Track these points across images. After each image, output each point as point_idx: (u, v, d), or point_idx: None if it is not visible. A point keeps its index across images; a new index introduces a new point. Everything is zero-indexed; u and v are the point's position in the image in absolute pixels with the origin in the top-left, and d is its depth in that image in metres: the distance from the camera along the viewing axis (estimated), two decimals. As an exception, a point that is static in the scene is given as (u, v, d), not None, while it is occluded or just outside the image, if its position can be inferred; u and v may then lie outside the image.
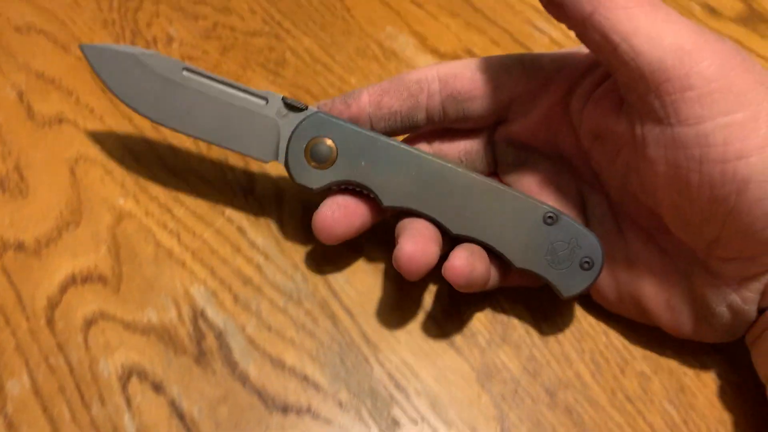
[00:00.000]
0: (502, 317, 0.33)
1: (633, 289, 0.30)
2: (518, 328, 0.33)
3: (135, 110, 0.32)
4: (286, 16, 0.43)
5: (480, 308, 0.33)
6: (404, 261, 0.28)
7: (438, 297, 0.33)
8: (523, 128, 0.31)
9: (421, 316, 0.33)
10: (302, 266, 0.34)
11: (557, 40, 0.44)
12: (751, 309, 0.27)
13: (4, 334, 0.31)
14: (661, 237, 0.29)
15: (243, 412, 0.30)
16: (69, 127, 0.38)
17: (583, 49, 0.30)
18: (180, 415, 0.30)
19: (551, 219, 0.29)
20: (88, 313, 0.32)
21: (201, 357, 0.31)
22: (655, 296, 0.30)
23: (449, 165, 0.29)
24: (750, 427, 0.30)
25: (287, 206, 0.36)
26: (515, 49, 0.43)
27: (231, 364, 0.31)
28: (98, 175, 0.36)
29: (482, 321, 0.33)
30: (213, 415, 0.30)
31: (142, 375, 0.30)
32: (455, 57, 0.42)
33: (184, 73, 0.31)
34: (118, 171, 0.36)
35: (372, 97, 0.31)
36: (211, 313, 0.32)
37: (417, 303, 0.33)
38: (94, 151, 0.37)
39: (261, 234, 0.35)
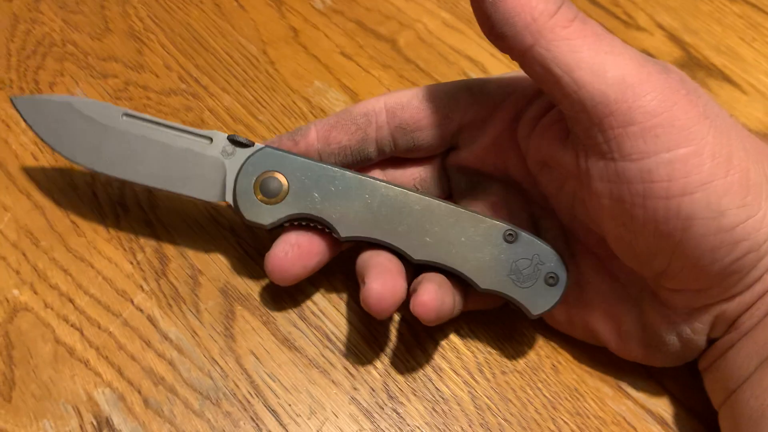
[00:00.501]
0: (443, 404, 0.30)
1: (583, 313, 0.30)
2: (460, 419, 0.30)
3: (73, 161, 0.30)
4: (204, 72, 0.40)
5: (418, 397, 0.30)
6: (374, 302, 0.27)
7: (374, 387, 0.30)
8: (472, 155, 0.31)
9: (358, 416, 0.30)
10: (221, 360, 0.30)
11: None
12: (701, 339, 0.27)
13: None
14: (612, 264, 0.29)
15: None
16: (-43, 211, 0.34)
17: None
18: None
19: (511, 236, 0.28)
20: (-30, 429, 0.28)
21: (105, 475, 0.27)
22: (605, 321, 0.29)
23: (405, 190, 0.29)
24: None
25: (204, 289, 0.32)
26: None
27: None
28: (-11, 261, 0.32)
29: (421, 411, 0.30)
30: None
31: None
32: (388, 112, 0.40)
33: (124, 118, 0.30)
34: (14, 256, 0.32)
35: (320, 132, 0.30)
36: (118, 420, 0.29)
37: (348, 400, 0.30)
38: (-15, 234, 0.33)
39: (174, 323, 0.31)
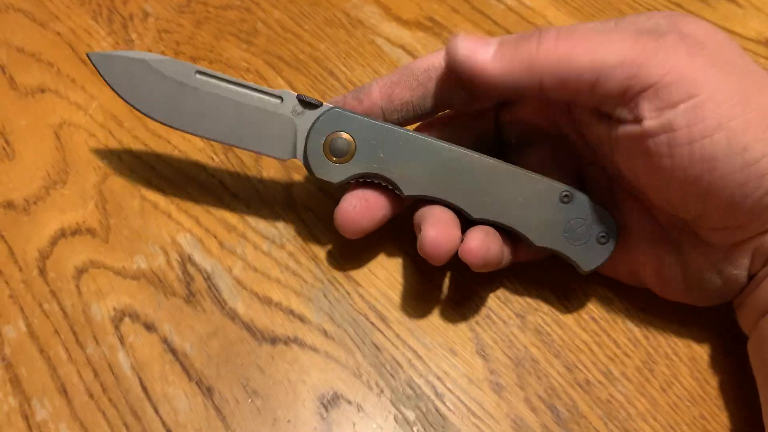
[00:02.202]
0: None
1: (627, 257, 0.32)
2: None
3: (148, 115, 0.31)
4: (256, -9, 0.45)
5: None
6: (429, 247, 0.29)
7: (409, 236, 0.35)
8: (524, 109, 0.32)
9: (395, 254, 0.35)
10: (282, 214, 0.36)
11: (512, 7, 0.46)
12: (742, 274, 0.28)
13: (-2, 284, 0.32)
14: (653, 208, 0.31)
15: (233, 345, 0.31)
16: (51, 96, 0.39)
17: None
18: (173, 351, 0.31)
19: (567, 198, 0.30)
20: (78, 263, 0.33)
21: (190, 297, 0.33)
22: (648, 264, 0.31)
23: (465, 151, 0.30)
24: (703, 339, 0.33)
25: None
26: (474, 17, 0.46)
27: (220, 303, 0.32)
28: (82, 138, 0.38)
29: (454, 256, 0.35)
30: (205, 349, 0.31)
31: (134, 316, 0.32)
32: (418, 25, 0.45)
33: (197, 76, 0.31)
34: (102, 134, 0.38)
35: (383, 90, 0.31)
36: (199, 258, 0.34)
37: (392, 243, 0.35)
38: (77, 117, 0.38)
39: (242, 187, 0.36)
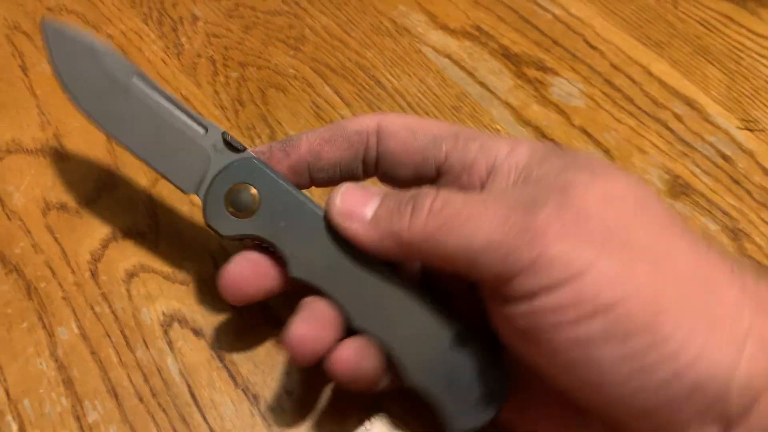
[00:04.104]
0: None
1: (526, 416, 0.28)
2: None
3: (74, 101, 0.29)
4: (304, -3, 0.45)
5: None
6: (293, 344, 0.26)
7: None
8: None
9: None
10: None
11: (559, 17, 0.46)
12: None
13: (52, 286, 0.33)
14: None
15: (280, 354, 0.32)
16: (103, 99, 0.40)
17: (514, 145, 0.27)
18: (219, 357, 0.32)
19: (456, 345, 0.26)
20: (129, 266, 0.34)
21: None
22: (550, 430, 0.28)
23: (369, 259, 0.27)
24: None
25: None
26: (520, 26, 0.45)
27: (265, 310, 0.33)
28: (133, 142, 0.38)
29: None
30: (250, 357, 0.32)
31: (183, 321, 0.32)
32: (464, 34, 0.45)
33: (134, 79, 0.29)
34: (152, 138, 0.38)
35: (312, 146, 0.29)
36: (245, 265, 0.34)
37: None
38: (128, 121, 0.39)
39: (289, 194, 0.37)
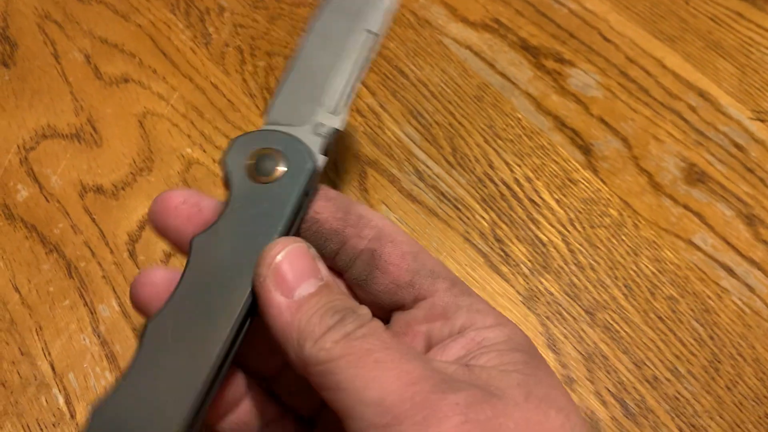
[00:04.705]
0: (541, 248, 0.36)
1: None
2: (557, 259, 0.36)
3: None
4: (327, -11, 0.46)
5: (521, 241, 0.36)
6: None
7: (483, 232, 0.37)
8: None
9: (469, 250, 0.36)
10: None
11: (575, 11, 0.47)
12: None
13: (92, 265, 0.34)
14: None
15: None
16: (134, 86, 0.41)
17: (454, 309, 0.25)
18: (258, 333, 0.32)
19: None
20: (166, 247, 0.35)
21: (273, 284, 0.34)
22: None
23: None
24: (767, 341, 0.34)
25: (339, 155, 0.39)
26: (538, 20, 0.46)
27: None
28: (165, 128, 0.39)
29: (524, 252, 0.36)
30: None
31: (221, 299, 0.33)
32: (484, 26, 0.46)
33: None
34: (184, 124, 0.39)
35: (374, 241, 0.26)
36: (279, 246, 0.35)
37: (464, 238, 0.36)
38: (160, 107, 0.40)
39: (323, 178, 0.38)
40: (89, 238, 0.35)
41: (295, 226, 0.25)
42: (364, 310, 0.22)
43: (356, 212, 0.26)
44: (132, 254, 0.34)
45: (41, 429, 0.30)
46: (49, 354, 0.31)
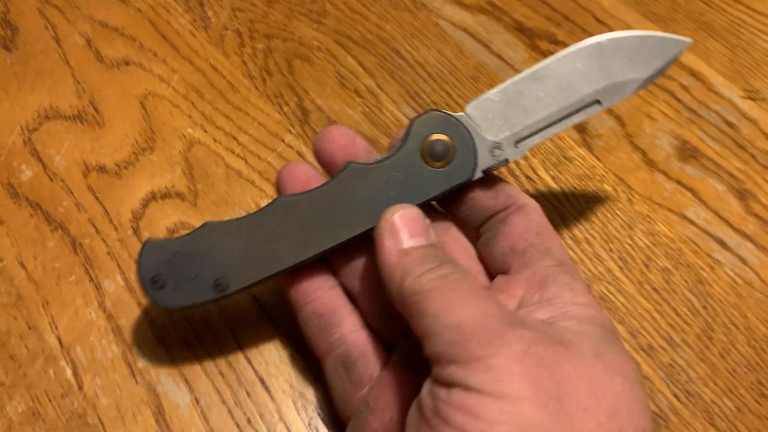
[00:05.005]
0: (540, 223, 0.37)
1: None
2: (554, 233, 0.37)
3: None
4: (325, -27, 0.47)
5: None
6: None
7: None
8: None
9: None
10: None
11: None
12: None
13: (96, 242, 0.35)
14: None
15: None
16: (135, 69, 0.41)
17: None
18: (262, 307, 0.33)
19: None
20: (169, 224, 0.35)
21: (275, 259, 0.35)
22: None
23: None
24: (759, 311, 0.35)
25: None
26: (531, 2, 0.47)
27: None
28: (166, 109, 0.40)
29: (522, 226, 0.37)
30: (285, 304, 0.33)
31: (224, 274, 0.34)
32: (479, 9, 0.47)
33: None
34: (185, 105, 0.40)
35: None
36: (281, 223, 0.36)
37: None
38: (160, 89, 0.40)
39: (319, 157, 0.38)
40: (93, 216, 0.35)
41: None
42: (463, 266, 0.25)
43: (506, 192, 0.30)
44: (136, 231, 0.35)
45: (50, 400, 0.30)
46: (56, 328, 0.32)
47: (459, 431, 0.21)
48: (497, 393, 0.21)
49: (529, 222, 0.29)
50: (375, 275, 0.28)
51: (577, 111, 0.29)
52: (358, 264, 0.30)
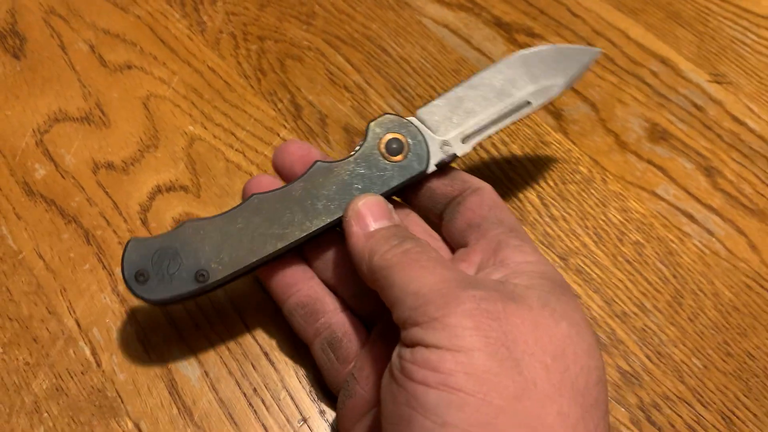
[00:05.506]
0: (517, 203, 0.40)
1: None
2: (532, 213, 0.39)
3: None
4: (312, -23, 0.50)
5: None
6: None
7: (465, 190, 0.40)
8: None
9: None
10: (350, 171, 0.40)
11: (545, -10, 0.51)
12: None
13: (108, 233, 0.37)
14: None
15: (315, 283, 0.36)
16: (137, 72, 0.44)
17: None
18: (264, 289, 0.36)
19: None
20: (175, 215, 0.38)
21: (274, 243, 0.37)
22: None
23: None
24: (725, 278, 0.37)
25: (330, 127, 0.42)
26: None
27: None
28: (168, 108, 0.42)
29: (503, 207, 0.39)
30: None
31: (228, 259, 0.37)
32: (459, 6, 0.49)
33: None
34: (185, 104, 0.42)
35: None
36: (278, 210, 0.38)
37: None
38: (162, 90, 0.43)
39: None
40: (104, 210, 0.38)
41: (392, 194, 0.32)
42: (423, 240, 0.28)
43: (460, 178, 0.33)
44: (144, 222, 0.38)
45: (71, 377, 0.33)
46: (74, 312, 0.35)
47: (421, 384, 0.23)
48: (453, 347, 0.23)
49: (482, 199, 0.32)
50: (348, 262, 0.30)
51: (512, 112, 0.34)
52: (331, 255, 0.32)
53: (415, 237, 0.28)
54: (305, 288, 0.32)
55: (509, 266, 0.28)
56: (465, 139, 0.33)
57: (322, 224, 0.31)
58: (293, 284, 0.32)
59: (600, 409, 0.24)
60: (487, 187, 0.32)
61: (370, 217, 0.29)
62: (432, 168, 0.32)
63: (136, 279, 0.30)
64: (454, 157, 0.33)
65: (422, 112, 0.33)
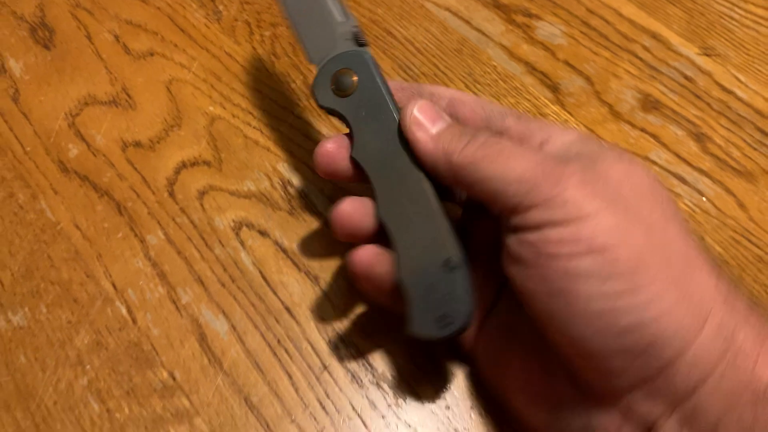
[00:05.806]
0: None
1: (497, 358, 0.32)
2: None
3: None
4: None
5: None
6: (336, 216, 0.32)
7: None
8: None
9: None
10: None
11: (541, -27, 0.53)
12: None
13: (138, 205, 0.40)
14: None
15: (331, 244, 0.39)
16: (159, 58, 0.47)
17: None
18: (284, 250, 0.39)
19: (447, 265, 0.29)
20: (200, 187, 0.41)
21: (293, 211, 0.40)
22: (515, 377, 0.31)
23: (416, 169, 0.31)
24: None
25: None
26: (508, -19, 0.53)
27: (316, 214, 0.40)
28: (189, 91, 0.45)
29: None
30: (308, 249, 0.39)
31: (250, 225, 0.39)
32: (460, -9, 0.52)
33: None
34: (205, 87, 0.45)
35: (449, 106, 0.33)
36: (296, 182, 0.41)
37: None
38: (183, 74, 0.46)
39: (325, 126, 0.44)
40: (133, 184, 0.41)
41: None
42: (486, 131, 0.30)
43: (428, 91, 0.34)
44: (171, 194, 0.41)
45: (110, 333, 0.36)
46: (110, 275, 0.37)
47: (566, 259, 0.25)
48: (582, 215, 0.26)
49: (469, 105, 0.33)
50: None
51: None
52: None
53: (479, 129, 0.30)
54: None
55: (555, 141, 0.30)
56: (344, 18, 0.35)
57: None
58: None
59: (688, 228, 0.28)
60: (459, 93, 0.34)
61: (426, 120, 0.31)
62: (364, 49, 0.34)
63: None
64: (357, 28, 0.34)
65: (312, 57, 0.35)
